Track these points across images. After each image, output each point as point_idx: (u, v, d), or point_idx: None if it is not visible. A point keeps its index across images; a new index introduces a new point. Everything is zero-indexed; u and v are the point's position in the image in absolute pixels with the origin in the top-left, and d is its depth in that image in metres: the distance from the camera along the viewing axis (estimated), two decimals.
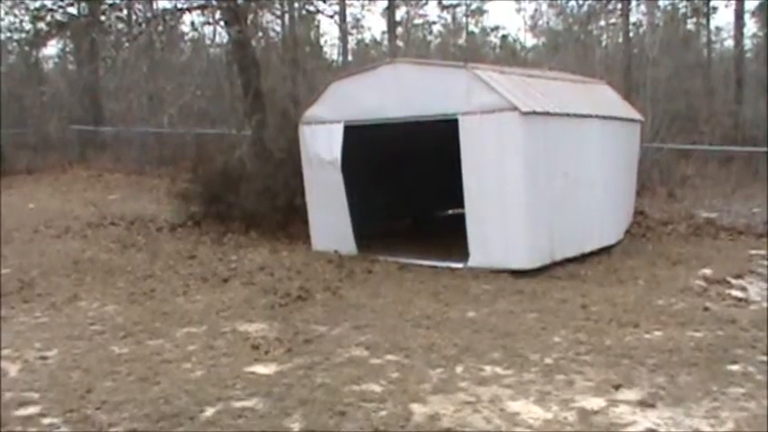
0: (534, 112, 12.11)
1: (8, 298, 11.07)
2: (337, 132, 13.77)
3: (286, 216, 15.67)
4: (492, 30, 44.74)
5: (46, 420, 6.56)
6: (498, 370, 7.63)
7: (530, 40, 44.27)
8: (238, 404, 6.79)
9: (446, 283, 11.59)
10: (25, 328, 9.54)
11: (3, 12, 30.41)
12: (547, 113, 12.47)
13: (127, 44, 23.06)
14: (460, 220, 12.91)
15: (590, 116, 13.79)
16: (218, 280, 12.06)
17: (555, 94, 13.58)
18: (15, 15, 34.70)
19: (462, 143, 12.34)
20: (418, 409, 6.60)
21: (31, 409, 6.78)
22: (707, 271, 12.09)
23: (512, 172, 12.04)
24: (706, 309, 9.87)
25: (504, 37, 44.09)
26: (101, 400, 6.94)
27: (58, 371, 7.87)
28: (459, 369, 7.67)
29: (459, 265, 12.47)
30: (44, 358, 8.31)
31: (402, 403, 6.72)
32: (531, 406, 6.68)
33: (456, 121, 12.32)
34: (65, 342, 8.88)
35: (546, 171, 12.43)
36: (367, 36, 42.21)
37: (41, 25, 34.37)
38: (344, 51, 32.27)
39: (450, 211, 18.04)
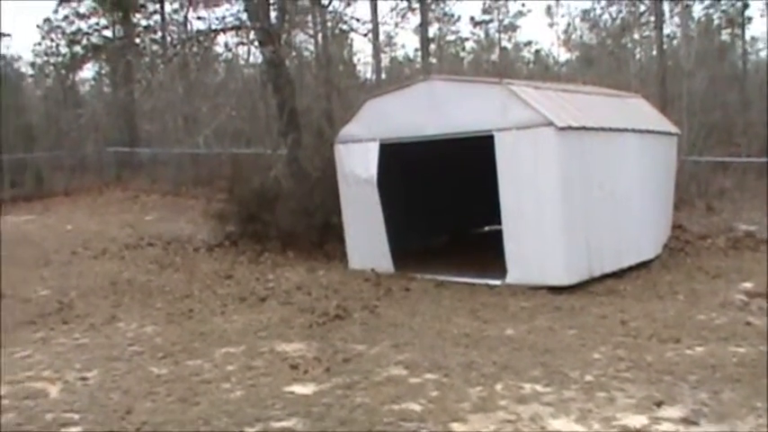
0: (570, 127, 12.06)
1: (48, 319, 11.19)
2: (373, 150, 13.80)
3: (322, 235, 15.71)
4: (525, 45, 44.65)
5: None
6: (538, 388, 7.56)
7: (563, 55, 44.19)
8: (278, 424, 6.78)
9: (484, 301, 11.55)
10: (65, 350, 9.61)
11: (40, 36, 30.97)
12: (583, 128, 12.41)
13: (162, 66, 23.33)
14: (497, 237, 12.87)
15: (626, 130, 13.73)
16: (255, 299, 12.09)
17: (590, 109, 13.52)
18: (52, 40, 35.39)
19: (498, 159, 12.32)
20: (458, 428, 6.56)
21: (72, 430, 6.82)
22: (748, 284, 11.96)
23: (548, 187, 12.00)
24: (748, 323, 9.75)
25: (537, 52, 44.02)
26: (141, 420, 6.96)
27: (97, 392, 7.90)
28: (498, 387, 7.61)
29: (497, 282, 12.41)
30: (84, 379, 8.36)
31: (442, 422, 6.68)
32: (572, 424, 6.61)
33: (492, 137, 12.31)
34: (104, 363, 8.92)
35: (582, 186, 12.37)
36: (400, 53, 42.18)
37: (77, 49, 35.02)
38: (378, 69, 32.33)
39: (487, 228, 18.01)
